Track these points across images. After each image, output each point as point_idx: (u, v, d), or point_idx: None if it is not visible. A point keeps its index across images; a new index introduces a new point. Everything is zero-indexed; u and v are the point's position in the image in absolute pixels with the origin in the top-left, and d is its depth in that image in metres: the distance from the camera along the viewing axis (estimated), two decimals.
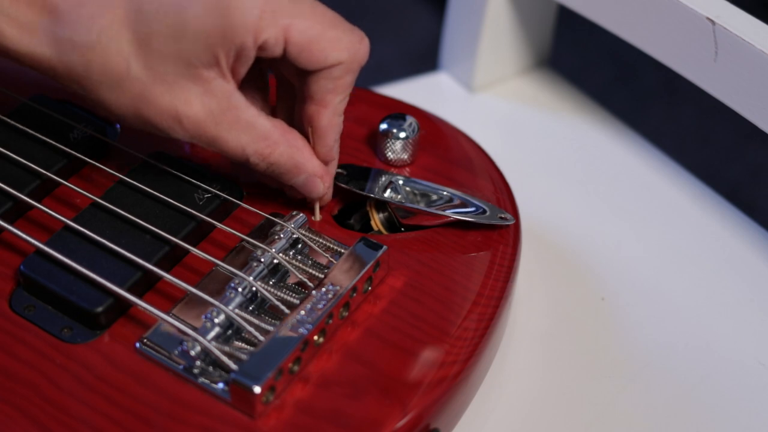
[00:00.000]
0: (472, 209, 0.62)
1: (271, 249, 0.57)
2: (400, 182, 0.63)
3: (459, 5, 0.81)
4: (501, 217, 0.61)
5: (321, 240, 0.59)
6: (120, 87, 0.55)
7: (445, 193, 0.63)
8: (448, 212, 0.61)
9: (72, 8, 0.54)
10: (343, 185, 0.62)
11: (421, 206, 0.62)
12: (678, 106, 1.30)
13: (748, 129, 0.69)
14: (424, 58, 1.07)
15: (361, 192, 0.62)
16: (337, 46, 0.57)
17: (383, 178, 0.63)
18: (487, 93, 0.82)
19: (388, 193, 0.62)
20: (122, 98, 0.56)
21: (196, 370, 0.53)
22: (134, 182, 0.61)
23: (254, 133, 0.57)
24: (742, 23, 0.65)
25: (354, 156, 0.65)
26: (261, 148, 0.57)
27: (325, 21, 0.56)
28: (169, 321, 0.54)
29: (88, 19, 0.54)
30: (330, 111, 0.59)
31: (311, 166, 0.59)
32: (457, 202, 0.62)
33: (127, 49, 0.54)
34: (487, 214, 0.61)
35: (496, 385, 0.60)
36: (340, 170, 0.63)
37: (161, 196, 0.60)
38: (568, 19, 0.86)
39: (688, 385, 0.62)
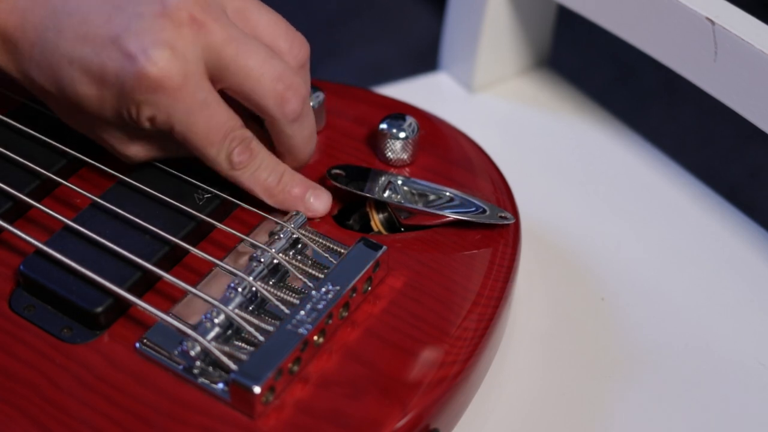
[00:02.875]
0: (472, 209, 0.62)
1: (271, 249, 0.57)
2: (399, 182, 0.63)
3: (459, 5, 0.81)
4: (501, 216, 0.61)
5: (321, 240, 0.59)
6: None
7: (445, 193, 0.63)
8: (447, 212, 0.61)
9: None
10: (342, 186, 0.62)
11: (420, 206, 0.62)
12: (678, 106, 1.30)
13: (748, 129, 0.69)
14: (424, 58, 1.07)
15: (360, 192, 0.62)
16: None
17: (382, 179, 0.63)
18: (487, 93, 0.82)
19: (387, 194, 0.62)
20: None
21: (195, 370, 0.53)
22: (134, 182, 0.61)
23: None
24: (742, 23, 0.65)
25: (354, 156, 0.65)
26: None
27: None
28: (169, 321, 0.54)
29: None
30: (294, 159, 0.62)
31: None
32: (456, 202, 0.62)
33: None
34: (487, 213, 0.61)
35: (496, 385, 0.60)
36: (338, 171, 0.63)
37: (161, 196, 0.60)
38: (568, 19, 0.86)
39: (688, 385, 0.62)
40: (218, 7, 0.57)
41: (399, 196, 0.62)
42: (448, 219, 0.61)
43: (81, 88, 0.57)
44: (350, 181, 0.62)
